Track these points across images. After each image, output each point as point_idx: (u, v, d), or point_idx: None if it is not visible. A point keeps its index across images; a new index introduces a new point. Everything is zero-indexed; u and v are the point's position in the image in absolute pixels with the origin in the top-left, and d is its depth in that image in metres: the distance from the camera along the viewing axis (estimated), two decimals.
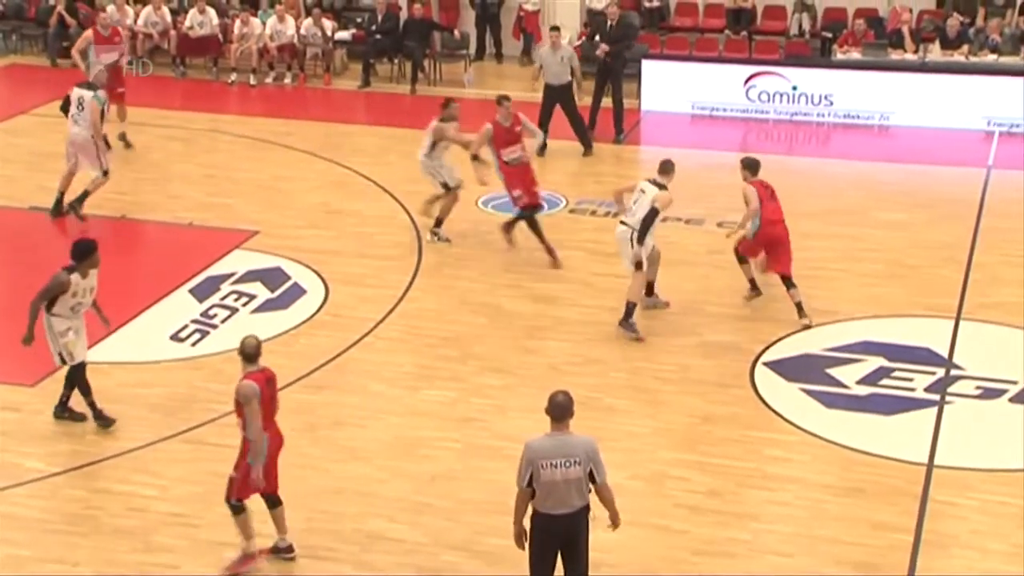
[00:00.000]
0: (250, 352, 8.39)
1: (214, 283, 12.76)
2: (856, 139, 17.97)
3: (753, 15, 20.86)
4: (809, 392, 10.76)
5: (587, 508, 7.50)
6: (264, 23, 20.32)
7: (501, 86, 19.69)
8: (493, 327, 12.03)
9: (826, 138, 18.16)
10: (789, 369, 11.16)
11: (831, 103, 18.39)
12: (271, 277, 12.97)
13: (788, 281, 11.95)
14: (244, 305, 12.38)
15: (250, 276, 12.97)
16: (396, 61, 20.38)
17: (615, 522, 7.63)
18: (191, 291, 12.57)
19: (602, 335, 11.81)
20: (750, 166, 12.16)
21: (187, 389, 10.81)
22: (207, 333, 11.79)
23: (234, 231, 13.94)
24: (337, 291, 12.67)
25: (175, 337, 11.59)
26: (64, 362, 10.04)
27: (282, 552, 8.61)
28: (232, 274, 13.01)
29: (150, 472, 9.58)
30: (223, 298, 12.45)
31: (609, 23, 17.68)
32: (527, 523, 7.53)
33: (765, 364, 11.25)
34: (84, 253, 9.83)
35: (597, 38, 17.79)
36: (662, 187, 11.79)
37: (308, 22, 20.35)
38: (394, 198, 15.27)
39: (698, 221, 14.55)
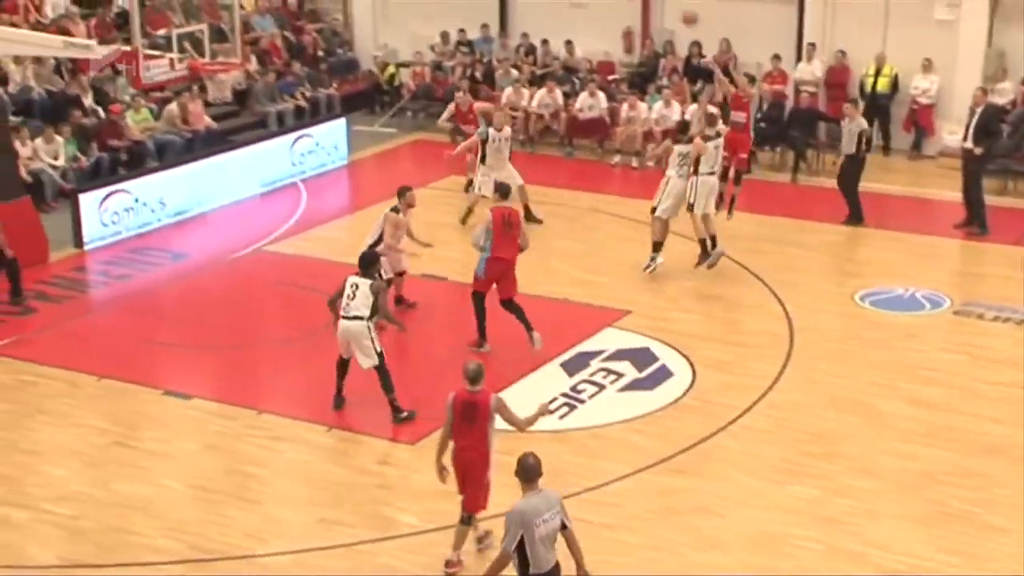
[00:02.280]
0: (469, 374, 9.04)
1: (584, 359, 13.02)
2: None
3: None
4: None
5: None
6: (651, 107, 20.77)
7: (886, 179, 19.11)
8: (865, 427, 11.55)
9: None
10: None
11: None
12: (640, 357, 13.09)
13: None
14: (612, 383, 12.54)
15: (620, 355, 13.14)
16: (778, 149, 20.21)
17: (582, 568, 7.79)
18: (562, 365, 12.89)
19: (985, 446, 11.05)
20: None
21: (553, 462, 10.99)
22: (575, 407, 12.02)
23: (607, 309, 14.21)
24: (704, 376, 12.60)
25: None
26: (381, 358, 11.43)
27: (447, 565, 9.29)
28: (602, 351, 13.23)
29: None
30: (592, 374, 12.68)
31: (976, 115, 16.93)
32: None
33: None
34: (370, 262, 11.73)
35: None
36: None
37: (693, 108, 20.58)
38: (766, 286, 15.07)
39: None
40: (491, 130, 16.84)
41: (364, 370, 11.59)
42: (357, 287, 11.53)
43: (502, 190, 13.46)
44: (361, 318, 11.43)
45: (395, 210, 13.57)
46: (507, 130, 17.02)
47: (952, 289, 14.88)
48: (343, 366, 11.80)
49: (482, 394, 9.04)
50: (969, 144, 17.03)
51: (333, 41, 24.55)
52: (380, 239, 13.41)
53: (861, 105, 18.97)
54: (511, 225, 12.82)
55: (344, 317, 11.49)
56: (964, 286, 15.06)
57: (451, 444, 9.11)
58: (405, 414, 11.63)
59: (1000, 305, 14.33)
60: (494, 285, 12.95)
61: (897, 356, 13.11)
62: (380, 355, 11.53)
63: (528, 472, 7.76)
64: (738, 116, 17.21)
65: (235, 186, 18.26)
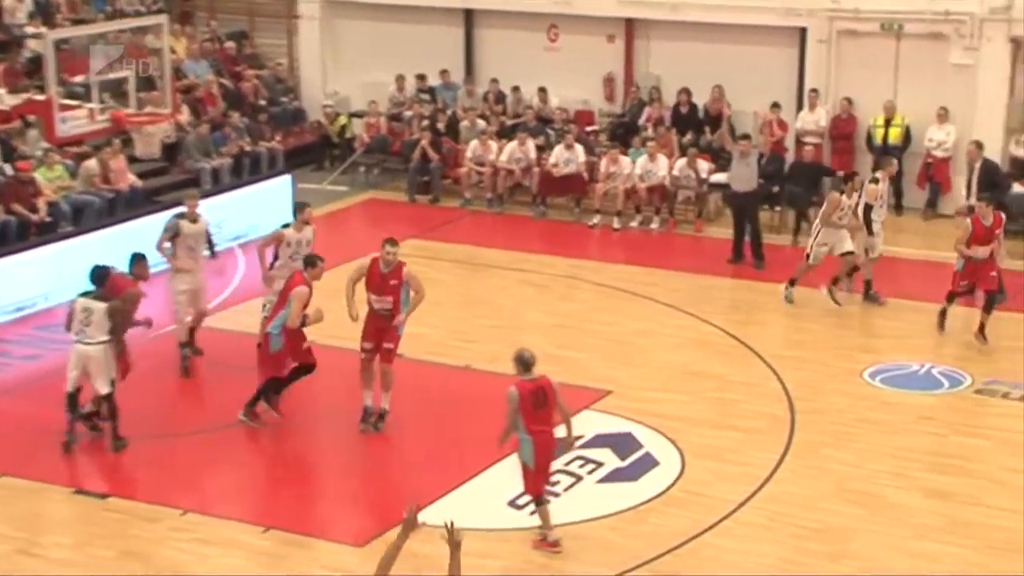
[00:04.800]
0: (525, 361, 10.90)
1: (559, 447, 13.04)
2: None
3: None
4: None
5: None
6: (634, 162, 21.04)
7: (898, 240, 19.37)
8: (874, 521, 11.61)
9: None
10: None
11: None
12: (621, 443, 13.14)
13: None
14: (590, 473, 12.58)
15: (599, 441, 13.20)
16: (777, 208, 20.49)
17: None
18: None
19: (1010, 543, 11.11)
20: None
21: (522, 565, 11.04)
22: (548, 502, 12.01)
23: (584, 389, 14.26)
24: (694, 465, 12.66)
25: (513, 503, 11.90)
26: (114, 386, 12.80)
27: (549, 545, 11.09)
28: (579, 437, 13.22)
29: None
30: (567, 463, 12.67)
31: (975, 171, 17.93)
32: None
33: None
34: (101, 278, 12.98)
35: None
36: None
37: (682, 163, 20.88)
38: (764, 362, 15.19)
39: None
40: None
41: (99, 395, 12.78)
42: (91, 312, 12.68)
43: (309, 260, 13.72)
44: (101, 342, 12.68)
45: (286, 226, 14.56)
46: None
47: (973, 365, 15.04)
48: (72, 400, 12.84)
49: (543, 378, 10.98)
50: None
51: (276, 89, 24.81)
52: (276, 258, 14.45)
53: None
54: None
55: (80, 343, 12.71)
56: (986, 361, 15.21)
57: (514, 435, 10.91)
58: (122, 442, 12.89)
59: None
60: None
61: (911, 440, 13.21)
62: (113, 383, 12.80)
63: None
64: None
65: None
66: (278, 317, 13.10)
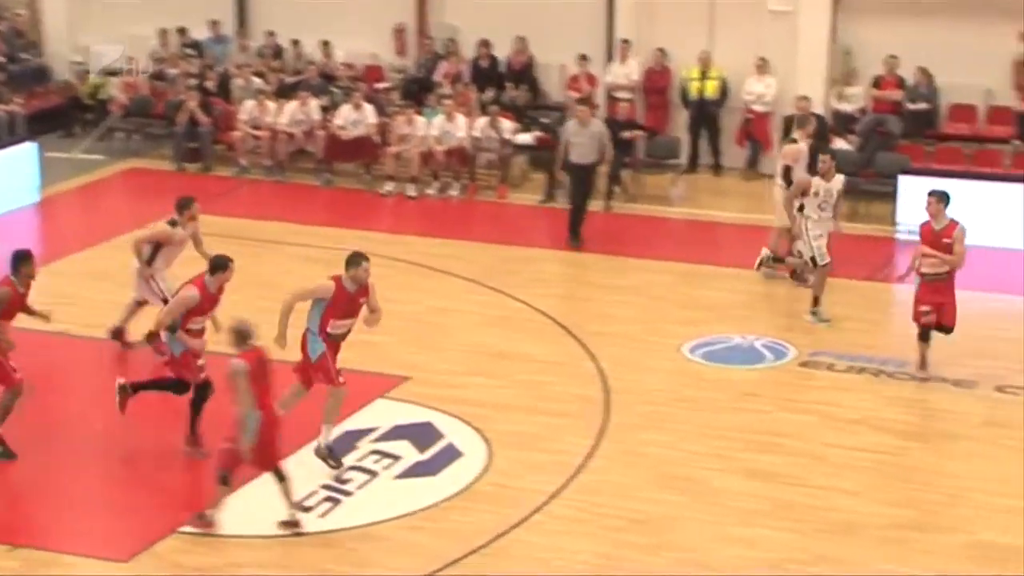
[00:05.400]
0: (243, 333, 11.10)
1: (351, 440, 13.01)
2: None
3: None
4: None
5: None
6: (430, 122, 21.08)
7: (718, 204, 19.89)
8: (696, 508, 11.91)
9: None
10: None
11: None
12: (421, 434, 13.17)
13: None
14: (386, 468, 12.59)
15: (395, 433, 13.21)
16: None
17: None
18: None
19: (838, 524, 11.55)
20: None
21: (318, 571, 11.00)
22: (339, 502, 12.01)
23: (379, 376, 14.27)
24: (501, 455, 12.78)
25: (299, 506, 11.85)
26: None
27: (290, 525, 11.32)
28: (373, 429, 13.28)
29: None
30: (361, 459, 12.70)
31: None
32: None
33: None
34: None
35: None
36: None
37: (483, 122, 21.01)
38: (576, 339, 15.43)
39: (969, 384, 14.25)
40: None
41: None
42: None
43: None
44: None
45: (172, 223, 14.47)
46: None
47: (797, 336, 15.55)
48: None
49: (261, 348, 11.29)
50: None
51: (15, 43, 24.11)
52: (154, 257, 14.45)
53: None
54: None
55: None
56: (811, 332, 15.74)
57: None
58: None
59: (854, 354, 15.07)
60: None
61: (733, 419, 13.55)
62: None
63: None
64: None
65: None
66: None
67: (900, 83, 20.70)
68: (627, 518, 11.77)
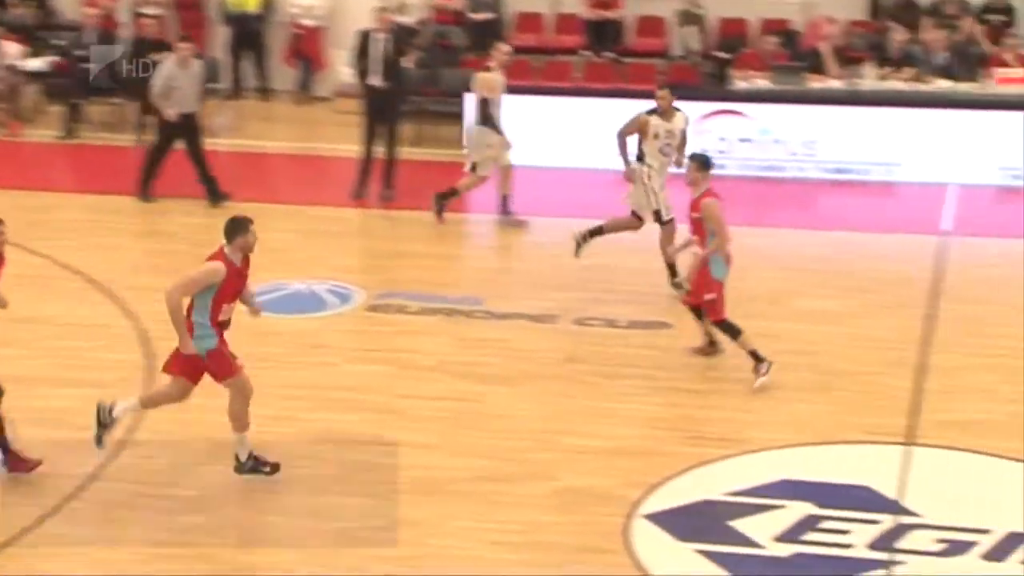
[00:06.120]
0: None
1: None
2: (770, 198, 18.62)
3: (620, 30, 21.54)
4: (709, 555, 10.98)
5: None
6: None
7: (267, 133, 19.90)
8: (254, 482, 11.91)
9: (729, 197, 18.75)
10: (680, 523, 11.38)
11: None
12: None
13: None
14: None
15: None
16: (116, 101, 20.42)
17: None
18: None
19: (419, 484, 11.84)
20: None
21: None
22: None
23: None
24: (29, 436, 12.41)
25: None
26: None
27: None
28: None
29: None
30: None
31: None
32: None
33: (646, 517, 11.46)
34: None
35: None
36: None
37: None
38: (113, 297, 15.19)
39: (551, 319, 14.88)
40: None
41: None
42: None
43: None
44: None
45: None
46: None
47: (363, 276, 15.89)
48: None
49: None
50: (378, 81, 18.02)
51: None
52: None
53: None
54: None
55: None
56: (377, 271, 16.10)
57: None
58: None
59: (426, 293, 15.47)
60: None
61: (298, 375, 13.68)
62: None
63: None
64: None
65: None
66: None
67: None
68: (181, 498, 11.67)
